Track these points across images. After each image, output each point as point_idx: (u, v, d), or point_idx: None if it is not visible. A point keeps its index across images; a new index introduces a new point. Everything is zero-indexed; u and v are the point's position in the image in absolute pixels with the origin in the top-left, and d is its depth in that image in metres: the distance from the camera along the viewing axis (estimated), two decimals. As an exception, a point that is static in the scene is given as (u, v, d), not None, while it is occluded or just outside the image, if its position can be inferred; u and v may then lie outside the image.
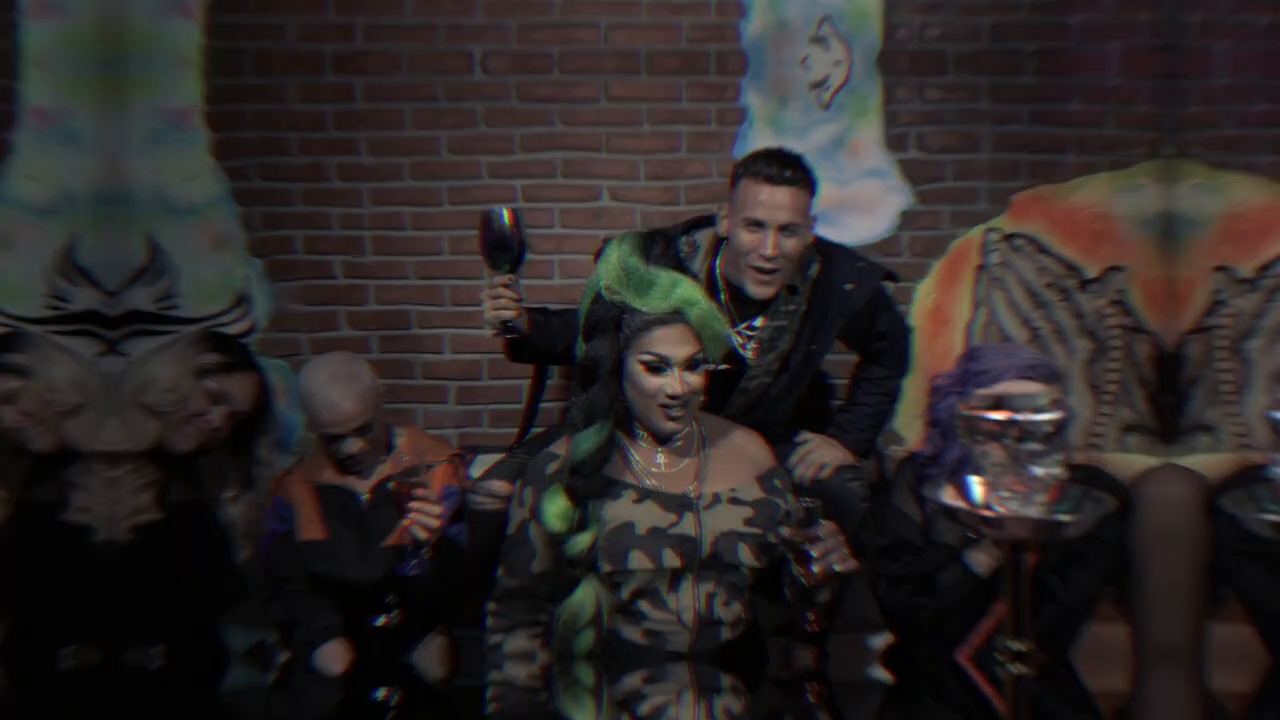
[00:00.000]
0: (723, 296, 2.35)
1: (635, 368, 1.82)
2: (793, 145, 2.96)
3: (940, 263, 3.10)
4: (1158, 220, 3.04)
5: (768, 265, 2.25)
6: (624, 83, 3.07)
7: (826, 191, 2.96)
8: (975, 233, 3.10)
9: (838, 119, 3.08)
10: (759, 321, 2.42)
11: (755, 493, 1.92)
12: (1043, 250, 3.08)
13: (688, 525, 1.85)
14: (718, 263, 2.41)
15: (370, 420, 2.34)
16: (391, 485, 2.14)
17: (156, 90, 3.02)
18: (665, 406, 1.83)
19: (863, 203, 3.07)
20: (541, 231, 3.06)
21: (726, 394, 2.39)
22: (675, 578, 1.83)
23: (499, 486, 2.33)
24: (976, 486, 1.30)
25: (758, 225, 2.24)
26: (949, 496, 1.32)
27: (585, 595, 1.84)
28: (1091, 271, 3.07)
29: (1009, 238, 3.09)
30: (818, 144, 3.06)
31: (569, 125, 3.10)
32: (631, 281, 1.80)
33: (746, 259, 2.27)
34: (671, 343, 1.81)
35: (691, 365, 1.83)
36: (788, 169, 2.25)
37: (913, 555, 2.13)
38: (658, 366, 1.81)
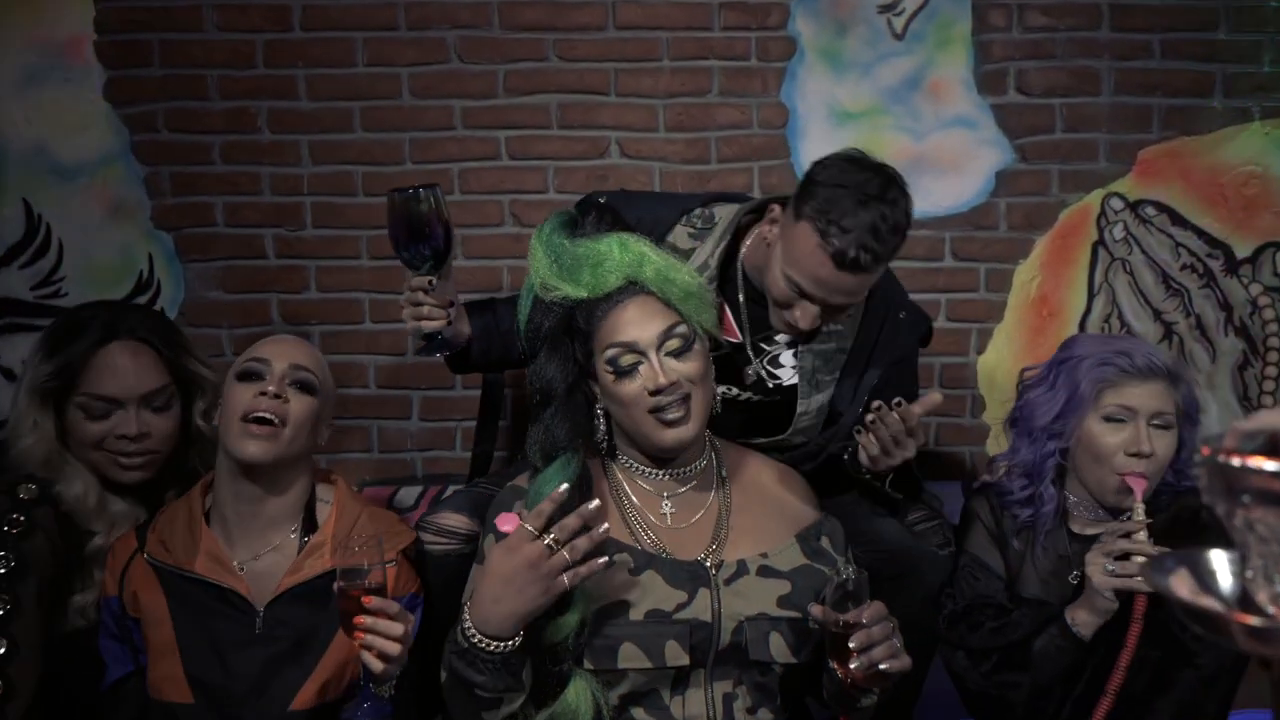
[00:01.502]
0: (740, 295, 1.82)
1: (603, 375, 1.48)
2: (857, 85, 2.39)
3: (1046, 238, 2.46)
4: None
5: (803, 329, 1.69)
6: (637, 4, 2.41)
7: (898, 146, 2.36)
8: (1092, 199, 2.44)
9: (914, 52, 2.44)
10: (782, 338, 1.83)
11: (794, 557, 1.52)
12: (1178, 222, 2.42)
13: (700, 607, 1.45)
14: (742, 250, 1.82)
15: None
16: (336, 587, 1.40)
17: (34, 17, 2.43)
18: (656, 411, 1.45)
19: (945, 160, 2.44)
20: (533, 197, 2.40)
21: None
22: (682, 677, 1.44)
23: (455, 521, 1.75)
24: (1234, 575, 0.81)
25: (801, 293, 1.64)
26: (1181, 589, 0.80)
27: (578, 698, 1.41)
28: (1242, 249, 2.41)
29: (1135, 206, 2.43)
30: (888, 84, 2.45)
31: (566, 60, 2.44)
32: (559, 265, 1.48)
33: (781, 313, 1.70)
34: (633, 322, 1.46)
35: (675, 345, 1.46)
36: (871, 254, 1.58)
37: (997, 618, 1.73)
38: (628, 365, 1.45)
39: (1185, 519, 1.67)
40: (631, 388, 1.47)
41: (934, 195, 2.42)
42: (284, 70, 2.43)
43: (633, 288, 1.49)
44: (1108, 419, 1.67)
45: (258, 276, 2.47)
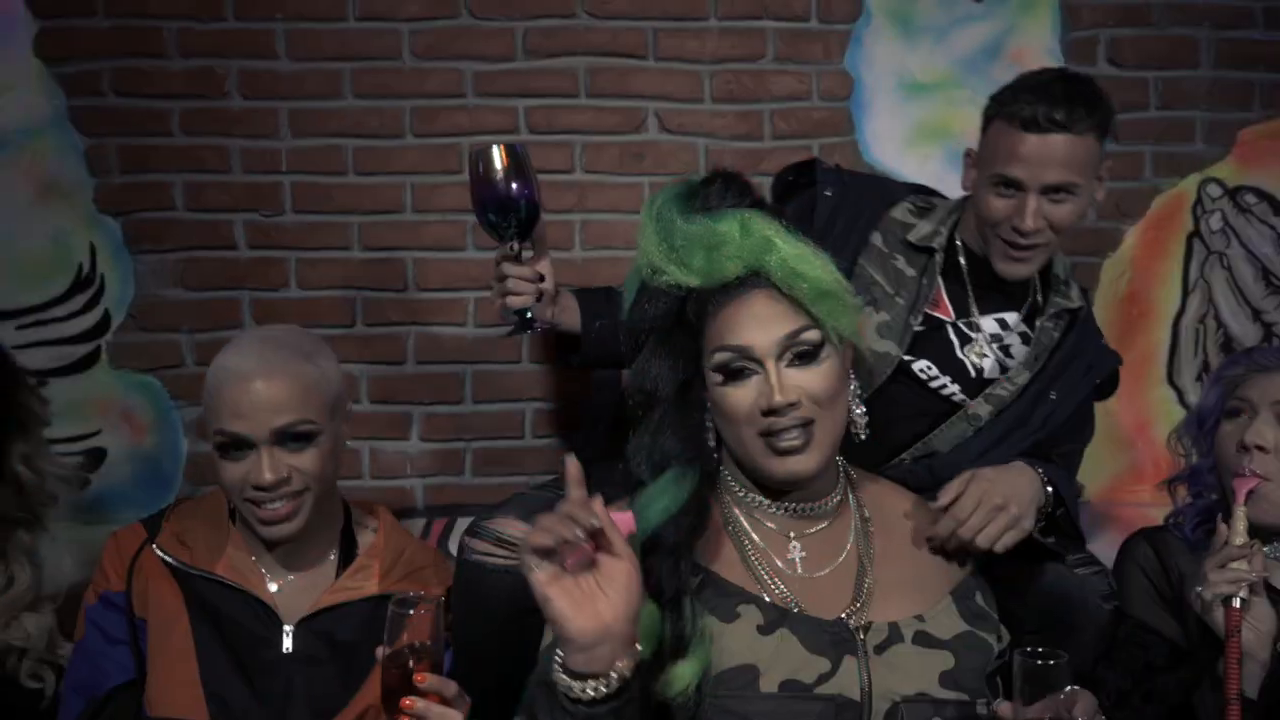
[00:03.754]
0: (962, 270, 1.67)
1: (711, 379, 1.22)
2: (930, 53, 2.12)
3: (1137, 228, 2.19)
4: None
5: (1024, 241, 1.57)
6: (680, -47, 2.09)
7: (975, 122, 2.06)
8: (1187, 185, 2.20)
9: (994, 16, 2.18)
10: (1010, 318, 1.68)
11: (953, 622, 1.25)
12: (1281, 211, 2.18)
13: (847, 681, 1.17)
14: (958, 225, 1.70)
15: (312, 425, 1.38)
16: (380, 653, 1.14)
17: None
18: (767, 435, 1.19)
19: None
20: (556, 178, 2.04)
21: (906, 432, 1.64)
22: None
23: (514, 530, 1.48)
24: None
25: (1013, 186, 1.55)
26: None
27: None
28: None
29: (1234, 193, 2.19)
30: (964, 51, 2.21)
31: (597, 16, 2.10)
32: (670, 245, 1.20)
33: (996, 230, 1.60)
34: (750, 322, 1.20)
35: (800, 352, 1.20)
36: (1064, 108, 1.52)
37: (1170, 680, 1.48)
38: (737, 368, 1.19)
39: None
40: (740, 398, 1.19)
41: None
42: (259, 23, 2.04)
43: (754, 279, 1.20)
44: (1229, 414, 1.54)
45: (226, 270, 2.07)
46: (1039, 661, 1.08)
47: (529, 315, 1.49)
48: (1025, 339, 1.66)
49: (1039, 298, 1.67)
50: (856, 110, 2.14)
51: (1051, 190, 1.54)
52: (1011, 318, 1.67)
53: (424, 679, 1.11)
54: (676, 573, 1.16)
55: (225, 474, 1.37)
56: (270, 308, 2.07)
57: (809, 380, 1.19)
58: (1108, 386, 1.75)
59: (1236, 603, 1.34)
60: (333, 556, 1.46)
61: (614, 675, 1.02)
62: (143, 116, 2.04)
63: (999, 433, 1.62)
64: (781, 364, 1.19)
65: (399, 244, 2.09)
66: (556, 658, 1.04)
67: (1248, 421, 1.51)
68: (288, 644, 1.39)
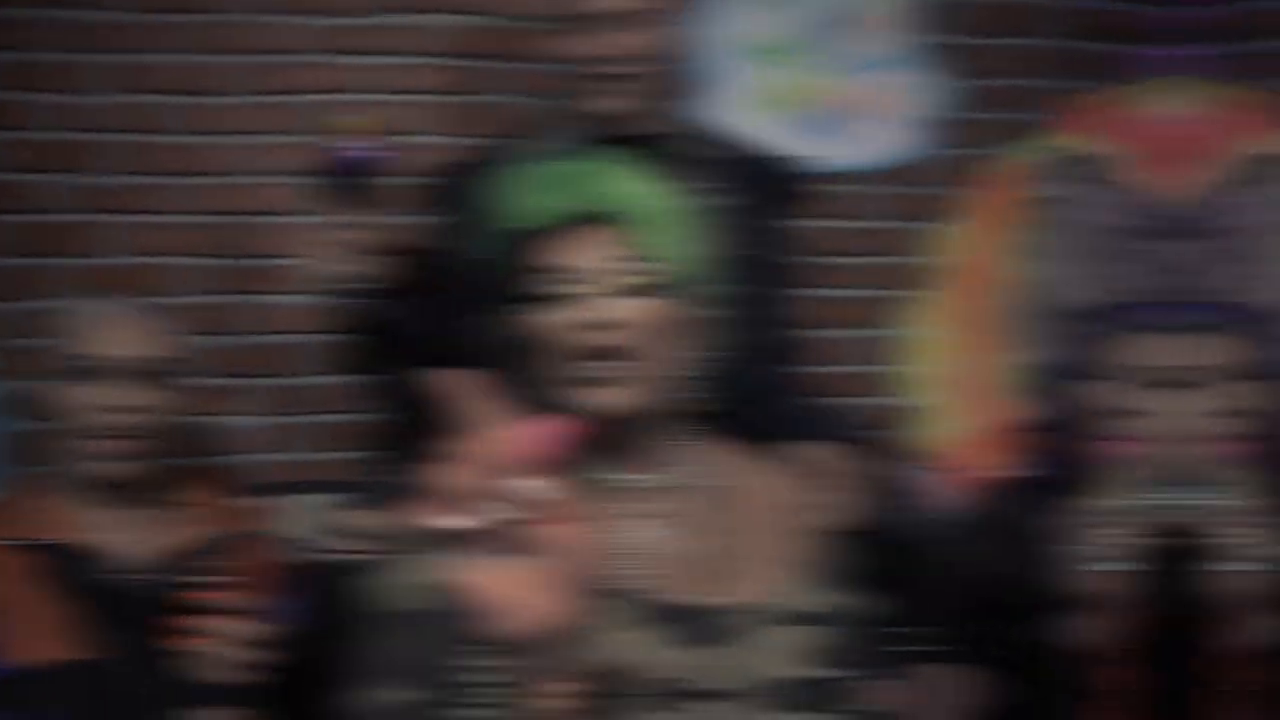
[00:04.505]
0: None
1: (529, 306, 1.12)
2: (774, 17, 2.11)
3: (982, 195, 2.21)
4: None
5: (610, 69, 1.63)
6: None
7: (818, 88, 2.09)
8: (1030, 152, 2.21)
9: None
10: None
11: (812, 594, 1.14)
12: (1120, 179, 2.23)
13: (719, 667, 1.07)
14: None
15: (167, 368, 1.50)
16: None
17: None
18: (581, 361, 1.09)
19: (872, 106, 2.15)
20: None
21: None
22: None
23: (369, 521, 1.42)
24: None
25: (584, 26, 1.62)
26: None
27: None
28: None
29: (1074, 161, 2.22)
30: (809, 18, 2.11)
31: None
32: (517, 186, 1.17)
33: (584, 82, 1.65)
34: (577, 248, 1.12)
35: (627, 285, 1.11)
36: None
37: None
38: (553, 290, 1.11)
39: None
40: (554, 319, 1.12)
41: (858, 145, 2.15)
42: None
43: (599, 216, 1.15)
44: (1085, 375, 1.60)
45: (36, 237, 1.96)
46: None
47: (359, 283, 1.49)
48: None
49: None
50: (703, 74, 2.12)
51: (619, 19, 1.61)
52: None
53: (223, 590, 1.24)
54: None
55: None
56: (91, 278, 1.95)
57: (635, 310, 1.13)
58: None
59: None
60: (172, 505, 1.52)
61: None
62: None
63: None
64: (605, 294, 1.14)
65: (231, 208, 2.00)
66: None
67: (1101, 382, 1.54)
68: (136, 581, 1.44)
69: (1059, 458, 1.64)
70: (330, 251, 1.48)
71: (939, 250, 2.21)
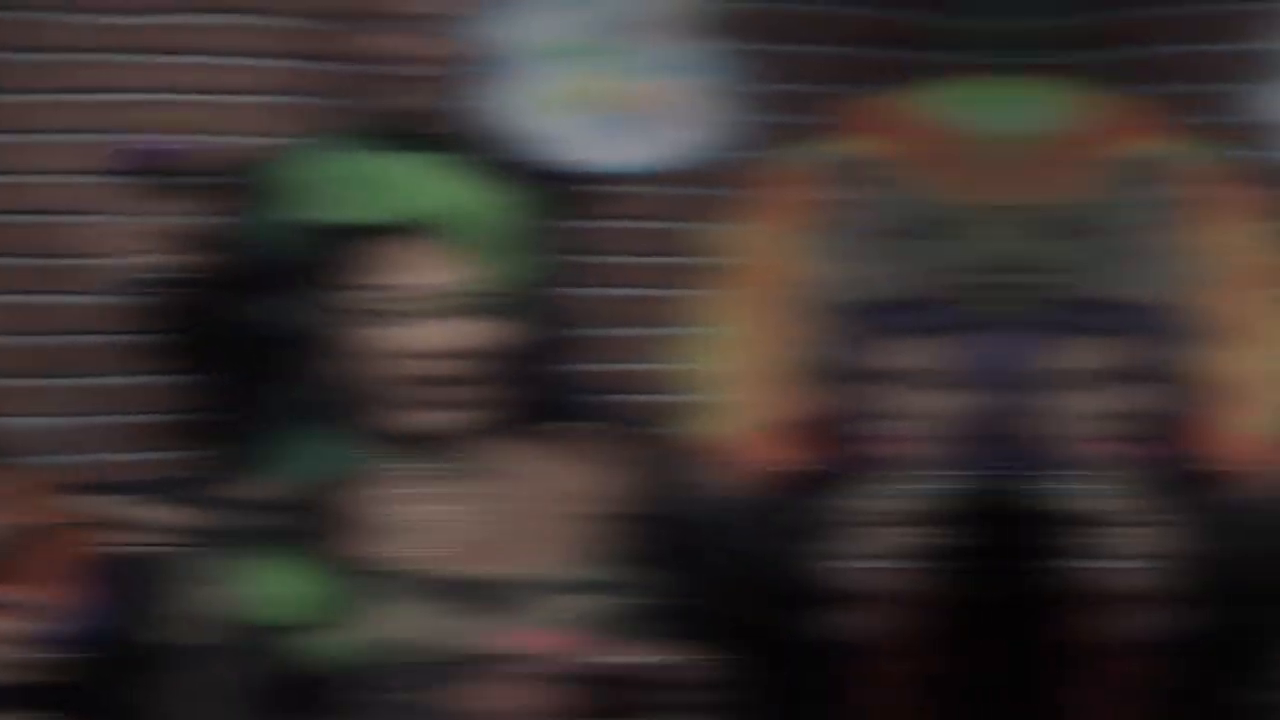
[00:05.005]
0: None
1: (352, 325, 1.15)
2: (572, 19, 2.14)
3: (762, 197, 2.26)
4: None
5: (407, 70, 1.72)
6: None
7: (606, 89, 2.12)
8: (808, 156, 2.27)
9: None
10: None
11: (584, 568, 1.23)
12: (898, 182, 2.31)
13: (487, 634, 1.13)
14: None
15: None
16: None
17: None
18: (412, 387, 1.15)
19: (659, 108, 2.20)
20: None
21: None
22: None
23: (164, 515, 1.54)
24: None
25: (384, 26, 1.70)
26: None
27: None
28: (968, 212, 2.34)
29: (851, 163, 2.29)
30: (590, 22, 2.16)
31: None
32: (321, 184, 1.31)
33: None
34: (409, 266, 1.14)
35: (457, 306, 1.15)
36: None
37: None
38: (383, 307, 1.14)
39: None
40: (387, 340, 1.16)
41: (646, 147, 2.20)
42: None
43: (413, 224, 1.20)
44: (864, 378, 1.72)
45: None
46: None
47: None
48: None
49: None
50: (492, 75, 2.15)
51: None
52: None
53: None
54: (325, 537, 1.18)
55: None
56: None
57: (466, 334, 1.21)
58: None
59: None
60: None
61: None
62: None
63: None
64: (435, 316, 1.19)
65: (31, 206, 2.00)
66: None
67: (876, 387, 1.60)
68: None
69: (837, 453, 1.71)
70: (130, 246, 1.52)
71: (724, 249, 2.27)
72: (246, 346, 1.45)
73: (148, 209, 1.50)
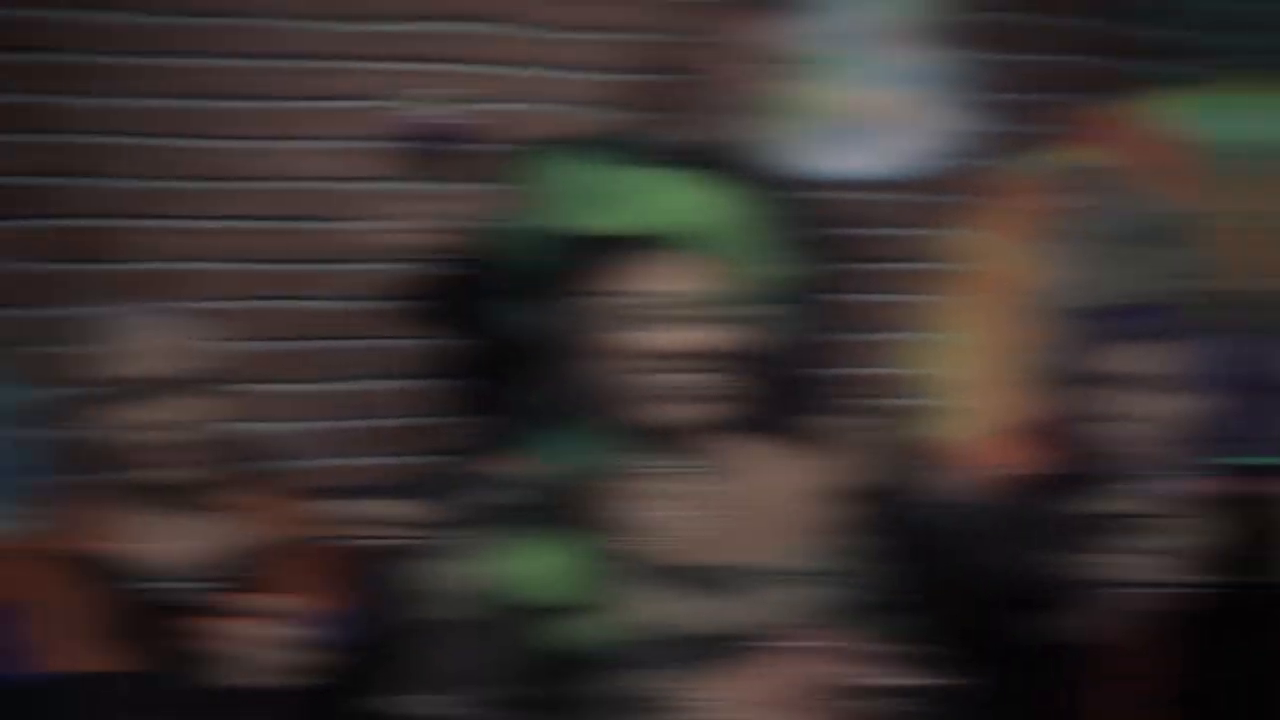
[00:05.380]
0: None
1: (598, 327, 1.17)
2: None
3: (996, 205, 2.28)
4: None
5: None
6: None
7: (840, 97, 2.14)
8: (1045, 163, 2.28)
9: None
10: None
11: (815, 558, 1.23)
12: (1127, 189, 2.33)
13: (725, 618, 1.15)
14: None
15: (207, 377, 1.42)
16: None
17: None
18: (659, 392, 1.15)
19: (892, 115, 2.20)
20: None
21: None
22: None
23: (397, 510, 1.55)
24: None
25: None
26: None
27: None
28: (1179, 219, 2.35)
29: (1086, 171, 2.31)
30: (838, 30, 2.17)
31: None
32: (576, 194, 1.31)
33: None
34: (655, 274, 1.17)
35: (701, 315, 1.16)
36: None
37: None
38: (635, 313, 1.15)
39: None
40: (634, 341, 1.17)
41: (882, 156, 2.21)
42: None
43: (658, 240, 1.20)
44: (1093, 380, 1.59)
45: (68, 239, 1.91)
46: None
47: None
48: None
49: None
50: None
51: None
52: None
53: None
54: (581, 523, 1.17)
55: None
56: (118, 283, 1.92)
57: (708, 340, 1.20)
58: None
59: None
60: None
61: None
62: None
63: None
64: (679, 323, 1.18)
65: (275, 213, 1.99)
66: None
67: (1108, 391, 1.57)
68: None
69: (1066, 456, 1.69)
70: (393, 245, 1.51)
71: (956, 256, 2.27)
72: (499, 348, 1.44)
73: (423, 181, 1.50)
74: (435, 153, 1.52)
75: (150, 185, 1.94)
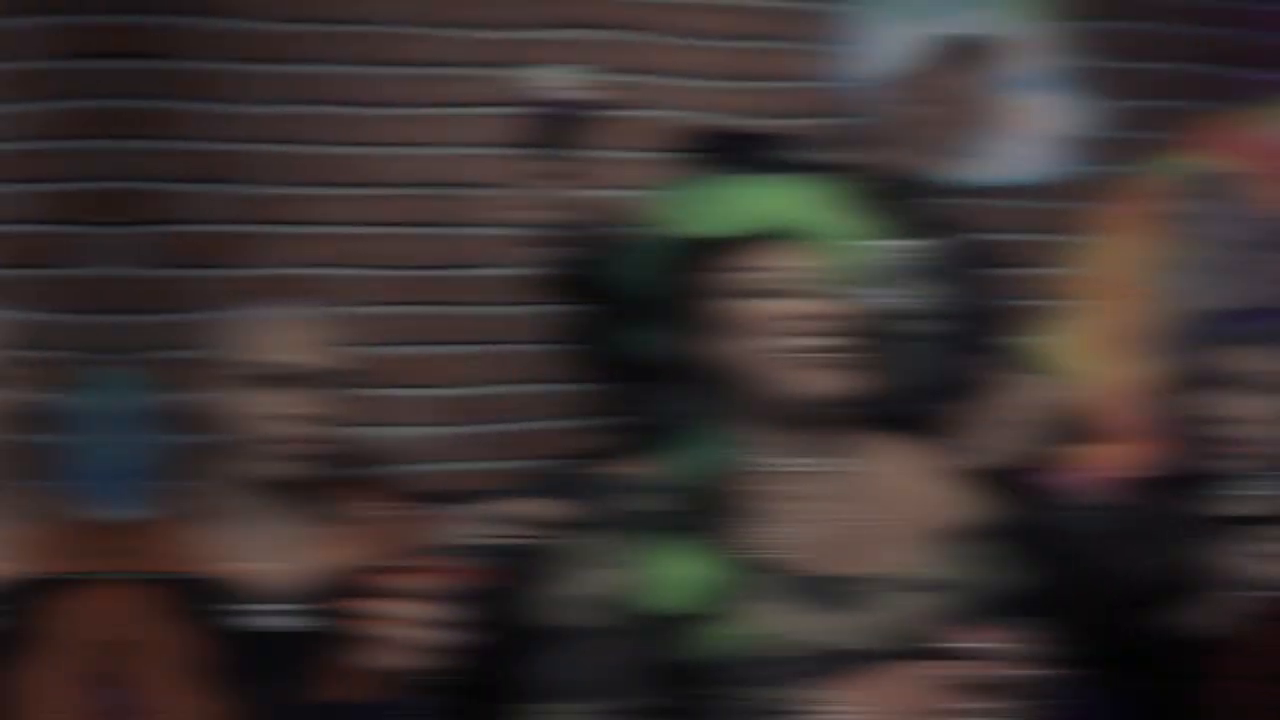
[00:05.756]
0: None
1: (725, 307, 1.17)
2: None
3: (1124, 210, 2.26)
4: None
5: None
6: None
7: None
8: (1165, 170, 2.27)
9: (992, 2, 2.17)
10: None
11: (941, 566, 1.21)
12: (1245, 196, 2.30)
13: (852, 630, 1.14)
14: None
15: (339, 377, 1.42)
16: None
17: None
18: (803, 353, 1.14)
19: (1010, 125, 2.17)
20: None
21: None
22: None
23: (535, 509, 1.47)
24: None
25: None
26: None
27: None
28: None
29: (1205, 178, 2.28)
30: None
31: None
32: (687, 199, 1.21)
33: None
34: (778, 254, 1.18)
35: (820, 289, 1.17)
36: None
37: None
38: (762, 287, 1.16)
39: None
40: (765, 309, 1.17)
41: (1004, 162, 2.18)
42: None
43: (770, 234, 1.19)
44: (1207, 382, 1.61)
45: (198, 245, 1.91)
46: None
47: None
48: None
49: None
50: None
51: None
52: None
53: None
54: (718, 530, 1.16)
55: None
56: (253, 289, 1.90)
57: (833, 312, 1.20)
58: None
59: None
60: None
61: None
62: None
63: None
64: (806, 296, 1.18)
65: (404, 219, 1.97)
66: None
67: (1228, 393, 1.57)
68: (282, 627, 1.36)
69: (1188, 457, 1.66)
70: (535, 205, 1.53)
71: (1081, 263, 2.25)
72: (630, 353, 1.41)
73: (556, 156, 1.49)
74: (569, 124, 1.51)
75: (281, 191, 1.94)
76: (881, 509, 1.24)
